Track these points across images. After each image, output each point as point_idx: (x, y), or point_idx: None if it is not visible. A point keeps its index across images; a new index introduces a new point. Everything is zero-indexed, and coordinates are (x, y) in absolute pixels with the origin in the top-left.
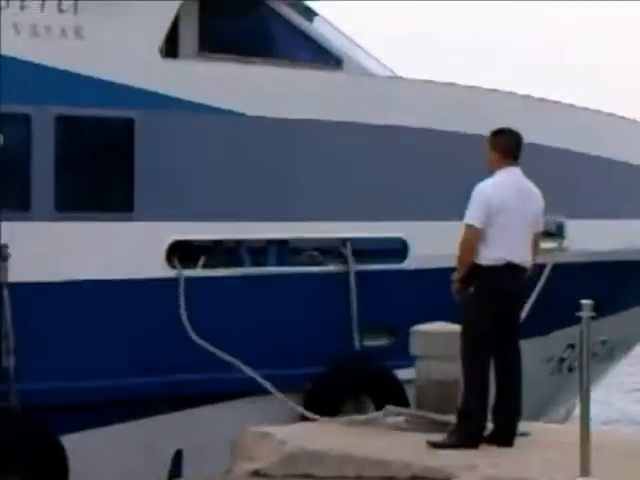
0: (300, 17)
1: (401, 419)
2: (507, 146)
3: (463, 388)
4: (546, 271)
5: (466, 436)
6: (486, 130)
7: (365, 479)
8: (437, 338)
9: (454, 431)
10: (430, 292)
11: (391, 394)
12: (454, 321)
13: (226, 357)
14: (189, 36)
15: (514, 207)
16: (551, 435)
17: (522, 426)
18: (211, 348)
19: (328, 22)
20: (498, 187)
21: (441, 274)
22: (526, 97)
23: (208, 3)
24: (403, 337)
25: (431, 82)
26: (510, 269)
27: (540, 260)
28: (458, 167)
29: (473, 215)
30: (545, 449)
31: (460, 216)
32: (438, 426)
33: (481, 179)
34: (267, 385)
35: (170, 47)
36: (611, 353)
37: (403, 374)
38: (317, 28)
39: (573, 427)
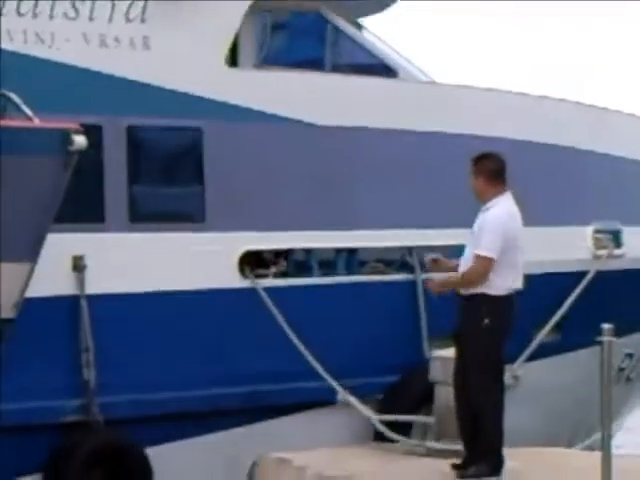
0: (355, 29)
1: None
2: (498, 170)
3: (491, 418)
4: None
5: (497, 470)
6: (554, 138)
7: None
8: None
9: (484, 462)
10: None
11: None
12: (524, 326)
13: (318, 367)
14: (248, 46)
15: (522, 236)
16: (571, 462)
17: None
18: (309, 357)
19: (374, 34)
20: (512, 216)
21: None
22: (591, 107)
23: (266, 14)
24: None
25: (496, 90)
26: (515, 295)
27: (595, 267)
28: (523, 174)
29: (492, 248)
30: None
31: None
32: (457, 452)
33: (546, 185)
34: (349, 397)
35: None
36: None
37: None
38: (371, 40)
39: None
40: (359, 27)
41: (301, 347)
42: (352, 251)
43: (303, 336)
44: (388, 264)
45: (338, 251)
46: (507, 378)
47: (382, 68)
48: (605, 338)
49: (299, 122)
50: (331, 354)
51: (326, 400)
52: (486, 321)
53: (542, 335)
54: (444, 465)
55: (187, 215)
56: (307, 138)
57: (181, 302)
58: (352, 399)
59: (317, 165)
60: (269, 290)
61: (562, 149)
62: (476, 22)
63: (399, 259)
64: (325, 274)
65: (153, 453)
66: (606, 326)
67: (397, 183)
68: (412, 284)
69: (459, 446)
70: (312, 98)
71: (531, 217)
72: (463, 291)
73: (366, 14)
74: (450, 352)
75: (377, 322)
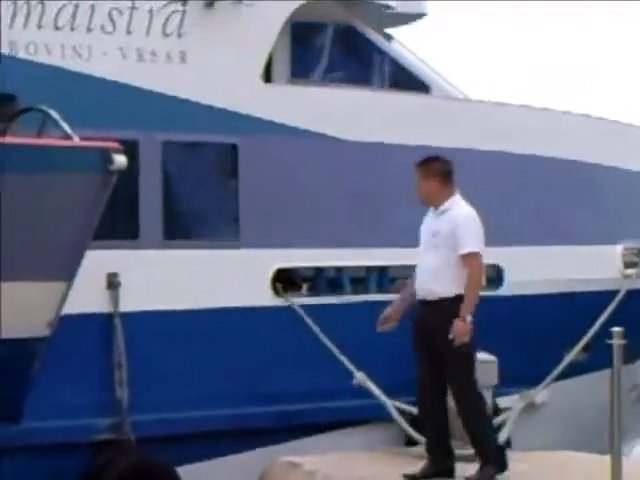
0: (387, 43)
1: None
2: (449, 171)
3: (483, 420)
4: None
5: (502, 468)
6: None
7: None
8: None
9: (488, 465)
10: (526, 318)
11: None
12: (549, 346)
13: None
14: (282, 61)
15: None
16: (579, 465)
17: None
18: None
19: (404, 45)
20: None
21: (536, 300)
22: (615, 122)
23: (299, 29)
24: (499, 365)
25: (527, 106)
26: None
27: (626, 285)
28: (553, 193)
29: (478, 243)
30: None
31: (551, 241)
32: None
33: (576, 203)
34: (393, 412)
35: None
36: None
37: (502, 402)
38: (403, 53)
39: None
40: (388, 38)
41: (348, 363)
42: (383, 268)
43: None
44: None
45: (369, 268)
46: (523, 405)
47: (415, 83)
48: (615, 341)
49: (332, 138)
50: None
51: (359, 418)
52: (469, 318)
53: (571, 356)
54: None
55: (221, 232)
56: (341, 154)
57: (214, 320)
58: (370, 384)
59: (350, 182)
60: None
61: (589, 166)
62: (476, 22)
63: None
64: (356, 291)
65: (185, 472)
66: (616, 329)
67: None
68: None
69: (467, 451)
70: (346, 114)
71: (562, 236)
72: (429, 297)
73: (394, 25)
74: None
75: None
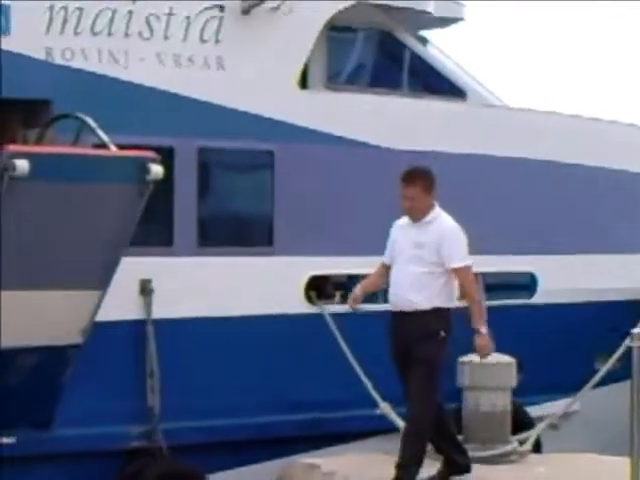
0: (424, 48)
1: None
2: (433, 183)
3: (425, 442)
4: None
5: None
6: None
7: None
8: (485, 369)
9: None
10: (559, 327)
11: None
12: (580, 355)
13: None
14: (319, 66)
15: None
16: (602, 467)
17: None
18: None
19: (440, 50)
20: None
21: (569, 309)
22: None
23: (337, 35)
24: (532, 373)
25: (557, 113)
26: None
27: None
28: (600, 202)
29: (467, 255)
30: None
31: (585, 250)
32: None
33: (620, 211)
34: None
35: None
36: None
37: (533, 411)
38: (439, 57)
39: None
40: (424, 41)
41: (361, 374)
42: None
43: (367, 362)
44: None
45: None
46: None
47: (451, 89)
48: (636, 344)
49: (369, 145)
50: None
51: (387, 428)
52: (442, 334)
53: (608, 366)
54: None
55: (255, 239)
56: (376, 162)
57: (247, 327)
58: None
59: (386, 189)
60: (334, 316)
61: (630, 175)
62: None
63: None
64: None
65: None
66: (636, 331)
67: (464, 208)
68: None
69: (486, 452)
70: (382, 121)
71: (609, 244)
72: (408, 308)
73: (430, 28)
74: (478, 358)
75: None
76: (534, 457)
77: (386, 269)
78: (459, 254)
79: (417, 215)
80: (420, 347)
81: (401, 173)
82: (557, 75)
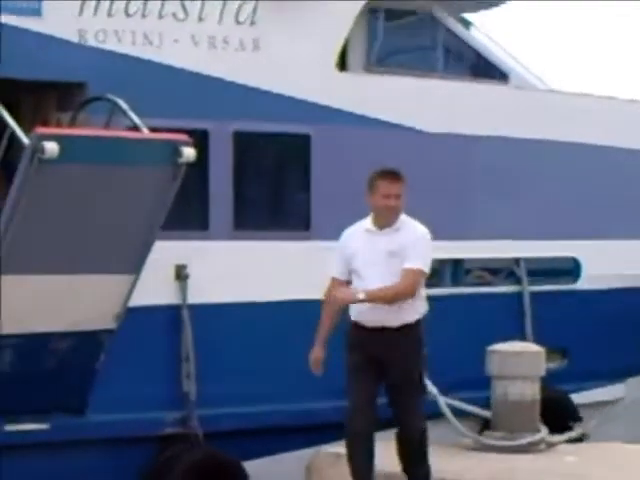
0: (466, 30)
1: (481, 440)
2: None
3: (427, 453)
4: None
5: None
6: None
7: None
8: (514, 358)
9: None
10: (603, 312)
11: (566, 419)
12: (628, 344)
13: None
14: (358, 48)
15: None
16: (631, 456)
17: None
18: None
19: (483, 32)
20: None
21: (613, 294)
22: None
23: (376, 16)
24: (576, 360)
25: (612, 98)
26: None
27: None
28: (630, 184)
29: (428, 263)
30: (623, 470)
31: (630, 235)
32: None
33: None
34: (446, 410)
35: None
36: None
37: (578, 398)
38: (481, 40)
39: None
40: (466, 24)
41: None
42: (457, 261)
43: None
44: (494, 273)
45: (442, 261)
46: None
47: (493, 71)
48: None
49: (409, 129)
50: (439, 367)
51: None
52: (424, 349)
53: None
54: (497, 459)
55: (292, 223)
56: (417, 145)
57: (283, 312)
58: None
59: (425, 173)
60: None
61: None
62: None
63: (506, 269)
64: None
65: (252, 468)
66: None
67: (507, 192)
68: (519, 295)
69: (514, 442)
70: (423, 104)
71: None
72: (389, 324)
73: (473, 10)
74: (506, 346)
75: (480, 335)
76: (564, 447)
77: (343, 284)
78: (421, 258)
79: (395, 217)
80: (408, 360)
81: (381, 172)
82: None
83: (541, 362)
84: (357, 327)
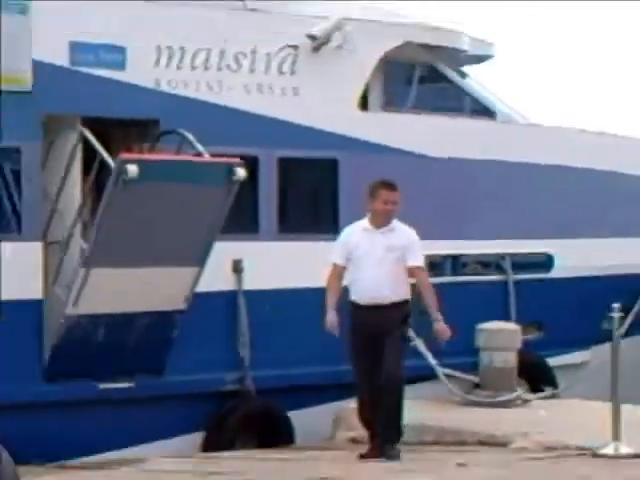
0: (461, 78)
1: (472, 397)
2: None
3: (402, 401)
4: None
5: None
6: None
7: (442, 444)
8: (497, 334)
9: (396, 444)
10: (570, 295)
11: (543, 378)
12: (591, 319)
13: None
14: (376, 93)
15: None
16: (590, 410)
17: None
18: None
19: (477, 82)
20: None
21: (578, 280)
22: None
23: (390, 67)
24: (550, 332)
25: (561, 128)
26: None
27: None
28: (590, 196)
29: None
30: (584, 421)
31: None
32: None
33: (618, 205)
34: (438, 370)
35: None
36: None
37: (552, 362)
38: (474, 86)
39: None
40: (463, 75)
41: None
42: (456, 256)
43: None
44: (485, 266)
45: (444, 257)
46: None
47: (483, 110)
48: (615, 314)
49: (417, 154)
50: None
51: (427, 375)
52: (409, 320)
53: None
54: (487, 413)
55: (322, 228)
56: (423, 167)
57: (315, 296)
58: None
59: (431, 188)
60: None
61: (631, 177)
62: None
63: (494, 263)
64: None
65: (294, 416)
66: (615, 305)
67: (495, 202)
68: (505, 283)
69: (497, 399)
70: (427, 135)
71: (608, 229)
72: (383, 302)
73: (468, 64)
74: (492, 325)
75: (475, 314)
76: (536, 403)
77: (342, 269)
78: (420, 256)
79: (390, 220)
80: (396, 330)
81: (382, 182)
82: (578, 92)
83: (518, 337)
84: (355, 305)
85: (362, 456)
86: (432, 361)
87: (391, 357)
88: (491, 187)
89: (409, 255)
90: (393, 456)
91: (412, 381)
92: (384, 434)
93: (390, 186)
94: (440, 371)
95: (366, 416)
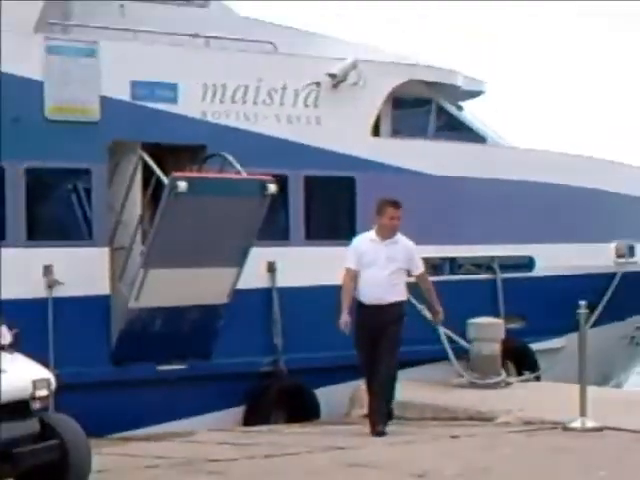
0: (456, 109)
1: (464, 381)
2: None
3: (395, 385)
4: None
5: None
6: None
7: (439, 420)
8: (484, 327)
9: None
10: (548, 290)
11: (526, 362)
12: (566, 311)
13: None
14: (386, 122)
15: None
16: (561, 391)
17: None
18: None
19: (470, 112)
20: None
21: (555, 278)
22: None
23: (397, 102)
24: (532, 322)
25: (531, 150)
26: None
27: (621, 269)
28: (565, 209)
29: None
30: (557, 400)
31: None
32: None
33: (587, 216)
34: (451, 355)
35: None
36: None
37: (535, 346)
38: (467, 116)
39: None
40: (459, 108)
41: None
42: (453, 259)
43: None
44: (477, 266)
45: (443, 259)
46: None
47: (476, 136)
48: (582, 311)
49: (420, 173)
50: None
51: (434, 358)
52: (404, 319)
53: (594, 317)
54: (478, 394)
55: (342, 235)
56: (425, 184)
57: (336, 292)
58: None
59: (431, 201)
60: None
61: (596, 191)
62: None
63: (485, 264)
64: (436, 274)
65: (319, 393)
66: (582, 302)
67: (485, 213)
68: (494, 281)
69: (484, 381)
70: (430, 157)
71: (579, 236)
72: (384, 302)
73: (463, 99)
74: (480, 320)
75: (470, 307)
76: (517, 384)
77: (355, 272)
78: (420, 263)
79: (394, 233)
80: (392, 326)
81: (389, 201)
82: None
83: (501, 330)
84: (361, 304)
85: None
86: (447, 346)
87: (388, 354)
88: (482, 200)
89: (412, 266)
90: (381, 434)
91: (415, 364)
92: (378, 414)
93: (395, 204)
94: (452, 355)
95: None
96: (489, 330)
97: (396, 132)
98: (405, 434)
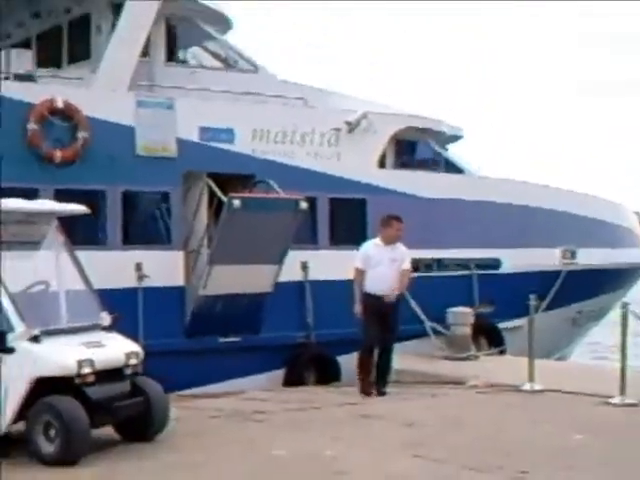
0: (441, 147)
1: (444, 354)
2: None
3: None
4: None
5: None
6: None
7: (425, 383)
8: (459, 314)
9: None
10: (512, 284)
11: (495, 337)
12: (524, 298)
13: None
14: (390, 155)
15: None
16: (517, 362)
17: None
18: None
19: (454, 152)
20: None
21: (518, 275)
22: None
23: (398, 142)
24: (499, 307)
25: (499, 178)
26: None
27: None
28: (526, 222)
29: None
30: (512, 368)
31: (525, 246)
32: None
33: (540, 229)
34: (431, 333)
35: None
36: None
37: (502, 325)
38: (450, 153)
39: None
40: (445, 149)
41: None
42: (440, 259)
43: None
44: (458, 265)
45: (434, 259)
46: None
47: (457, 169)
48: (532, 302)
49: (416, 196)
50: (434, 310)
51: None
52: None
53: (544, 305)
54: (453, 364)
55: (356, 241)
56: (420, 204)
57: (351, 284)
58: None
59: (425, 217)
60: None
61: (548, 211)
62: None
63: (463, 264)
64: (427, 271)
65: (341, 359)
66: (532, 296)
67: (464, 225)
68: (470, 276)
69: (458, 355)
70: (422, 184)
71: (533, 242)
72: (385, 292)
73: (449, 143)
74: (456, 309)
75: (453, 295)
76: (484, 358)
77: (363, 271)
78: (409, 263)
79: (397, 241)
80: (394, 313)
81: (394, 216)
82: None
83: (471, 316)
84: (368, 295)
85: (366, 393)
86: (428, 324)
87: (390, 332)
88: (462, 215)
89: (403, 264)
90: (384, 393)
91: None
92: (383, 378)
93: (399, 219)
94: (432, 334)
95: (365, 363)
96: (462, 317)
97: (397, 165)
98: (400, 394)
